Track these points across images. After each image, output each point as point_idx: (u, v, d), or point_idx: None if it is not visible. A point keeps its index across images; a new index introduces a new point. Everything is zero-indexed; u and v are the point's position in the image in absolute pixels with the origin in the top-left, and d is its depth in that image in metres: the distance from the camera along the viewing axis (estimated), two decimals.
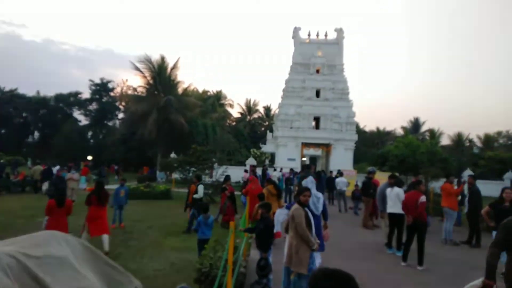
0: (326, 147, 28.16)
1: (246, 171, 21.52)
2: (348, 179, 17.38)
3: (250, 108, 55.84)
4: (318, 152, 32.81)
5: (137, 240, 8.90)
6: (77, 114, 50.23)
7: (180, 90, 36.44)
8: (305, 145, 28.34)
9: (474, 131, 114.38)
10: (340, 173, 16.22)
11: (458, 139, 44.15)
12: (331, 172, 18.89)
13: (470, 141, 45.99)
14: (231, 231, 4.74)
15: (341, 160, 26.30)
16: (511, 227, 3.31)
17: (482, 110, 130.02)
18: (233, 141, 35.82)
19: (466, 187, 11.09)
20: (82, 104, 49.73)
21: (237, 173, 22.40)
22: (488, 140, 46.76)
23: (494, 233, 6.16)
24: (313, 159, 39.97)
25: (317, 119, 28.61)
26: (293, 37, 30.14)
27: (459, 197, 11.61)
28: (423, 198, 7.18)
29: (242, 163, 28.01)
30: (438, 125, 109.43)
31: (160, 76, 34.41)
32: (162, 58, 34.91)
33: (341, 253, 7.79)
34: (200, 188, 10.30)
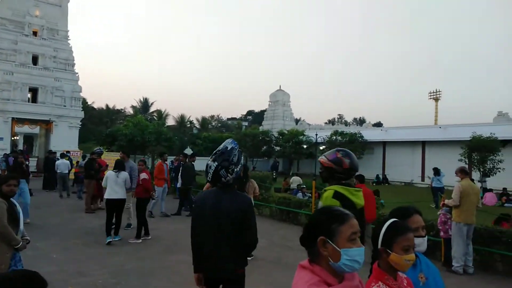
0: (46, 124, 24.50)
1: None
2: (75, 161, 15.96)
3: None
4: (35, 130, 28.18)
5: None
6: None
7: None
8: (17, 121, 23.63)
9: (194, 114, 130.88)
10: (63, 154, 14.46)
11: (181, 121, 49.13)
12: (52, 152, 16.61)
13: (191, 122, 52.22)
14: None
15: (65, 139, 23.59)
16: None
17: (202, 96, 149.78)
18: None
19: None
20: None
21: None
22: (204, 122, 54.54)
23: None
24: (29, 138, 34.18)
25: (34, 91, 24.30)
26: None
27: (173, 174, 13.05)
28: (142, 175, 7.78)
29: None
30: (165, 106, 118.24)
31: None
32: None
33: (63, 242, 7.03)
34: None
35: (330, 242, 1.42)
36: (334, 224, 1.44)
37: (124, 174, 7.47)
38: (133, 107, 54.12)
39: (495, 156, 18.56)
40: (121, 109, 55.74)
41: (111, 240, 7.08)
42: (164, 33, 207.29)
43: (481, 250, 6.31)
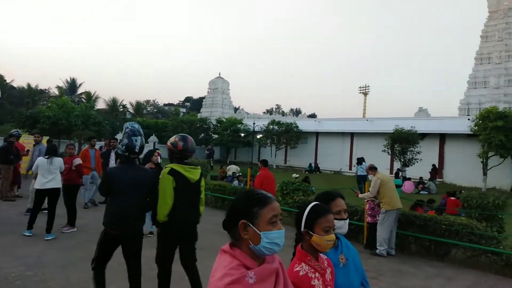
0: None
1: None
2: None
3: None
4: None
5: None
6: None
7: None
8: None
9: (129, 98, 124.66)
10: None
11: (113, 104, 46.52)
12: None
13: (124, 106, 49.68)
14: None
15: None
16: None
17: (138, 80, 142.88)
18: None
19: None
20: None
21: None
22: (138, 107, 52.25)
23: None
24: None
25: None
26: None
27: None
28: (76, 161, 7.26)
29: None
30: (96, 88, 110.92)
31: None
32: None
33: None
34: None
35: (251, 225, 1.42)
36: (255, 207, 1.44)
37: (58, 161, 6.81)
38: (58, 87, 50.05)
39: (414, 148, 20.37)
40: (45, 90, 51.30)
41: (30, 234, 6.46)
42: (96, 9, 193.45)
43: (398, 233, 6.88)
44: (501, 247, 6.09)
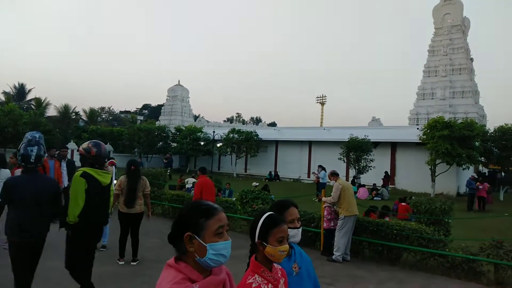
0: None
1: None
2: None
3: None
4: None
5: None
6: None
7: None
8: None
9: (82, 105, 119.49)
10: None
11: (65, 111, 44.28)
12: None
13: (77, 114, 47.46)
14: None
15: None
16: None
17: (92, 86, 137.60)
18: None
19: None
20: None
21: None
22: (92, 114, 50.12)
23: None
24: None
25: None
26: None
27: None
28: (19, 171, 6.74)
29: None
30: (47, 95, 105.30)
31: None
32: None
33: None
34: None
35: (196, 237, 1.40)
36: (201, 219, 1.42)
37: (5, 172, 6.29)
38: (5, 93, 46.96)
39: (368, 156, 21.23)
40: None
41: None
42: (48, 11, 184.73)
43: (353, 239, 7.08)
44: (447, 250, 6.46)
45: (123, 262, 6.11)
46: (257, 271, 1.81)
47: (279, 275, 1.88)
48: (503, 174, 24.40)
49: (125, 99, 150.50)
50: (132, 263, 6.15)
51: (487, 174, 25.77)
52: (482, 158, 21.49)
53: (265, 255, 1.82)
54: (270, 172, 28.58)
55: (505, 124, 21.18)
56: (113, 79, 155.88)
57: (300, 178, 27.90)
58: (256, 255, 1.87)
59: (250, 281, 1.78)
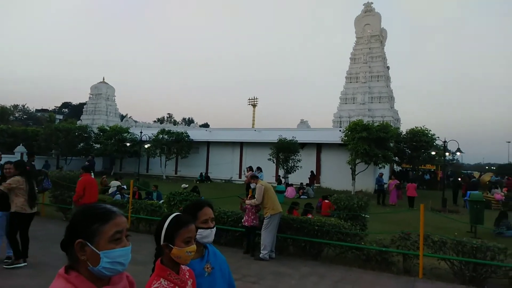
0: None
1: None
2: None
3: None
4: None
5: None
6: None
7: None
8: None
9: None
10: None
11: None
12: None
13: None
14: None
15: None
16: None
17: (4, 83, 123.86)
18: None
19: None
20: None
21: None
22: (3, 113, 45.13)
23: None
24: None
25: None
26: None
27: None
28: None
29: None
30: None
31: None
32: None
33: None
34: None
35: (88, 244, 1.27)
36: (94, 224, 1.29)
37: None
38: None
39: (295, 156, 22.05)
40: None
41: None
42: None
43: (278, 236, 7.26)
44: (363, 243, 6.92)
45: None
46: (162, 275, 1.73)
47: (187, 276, 1.82)
48: (414, 172, 27.07)
49: (42, 97, 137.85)
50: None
51: (398, 172, 28.40)
52: (396, 157, 23.59)
53: (171, 257, 1.75)
54: (202, 173, 28.24)
55: (415, 127, 23.59)
56: (30, 75, 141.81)
57: (232, 179, 27.99)
58: (162, 258, 1.79)
59: (155, 286, 1.70)
